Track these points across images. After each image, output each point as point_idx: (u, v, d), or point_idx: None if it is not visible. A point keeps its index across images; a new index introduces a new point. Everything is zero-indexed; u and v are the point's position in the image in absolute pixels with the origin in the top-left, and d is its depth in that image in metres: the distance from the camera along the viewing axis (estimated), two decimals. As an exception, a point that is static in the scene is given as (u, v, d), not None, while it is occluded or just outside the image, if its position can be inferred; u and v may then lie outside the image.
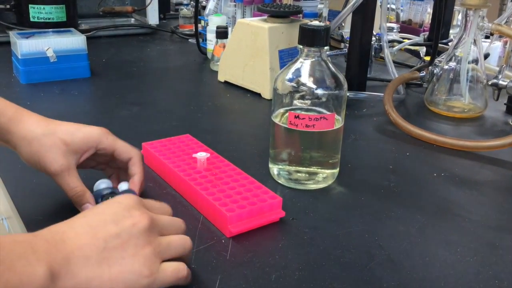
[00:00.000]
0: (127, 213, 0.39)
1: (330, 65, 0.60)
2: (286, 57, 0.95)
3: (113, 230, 0.38)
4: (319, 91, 0.59)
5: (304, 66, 0.60)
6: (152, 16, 1.44)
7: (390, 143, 0.77)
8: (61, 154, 0.51)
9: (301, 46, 0.60)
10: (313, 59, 0.60)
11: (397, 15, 1.52)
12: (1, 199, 0.64)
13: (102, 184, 0.54)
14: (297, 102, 0.60)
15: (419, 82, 0.99)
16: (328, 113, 0.59)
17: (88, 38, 1.03)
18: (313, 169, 0.62)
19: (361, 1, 0.88)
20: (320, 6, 1.44)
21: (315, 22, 0.60)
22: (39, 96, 0.90)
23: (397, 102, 0.94)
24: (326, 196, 0.60)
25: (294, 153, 0.62)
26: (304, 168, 0.62)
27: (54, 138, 0.51)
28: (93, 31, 1.35)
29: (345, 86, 0.61)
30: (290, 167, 0.62)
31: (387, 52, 1.03)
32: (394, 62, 1.06)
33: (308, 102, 0.60)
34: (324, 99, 0.59)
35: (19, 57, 0.95)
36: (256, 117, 0.88)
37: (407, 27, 1.46)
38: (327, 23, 1.28)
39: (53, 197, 0.55)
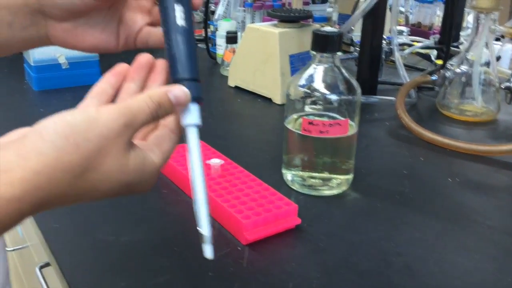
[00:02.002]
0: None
1: (343, 71, 0.60)
2: (297, 61, 0.95)
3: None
4: (332, 97, 0.59)
5: (317, 71, 0.60)
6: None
7: (403, 148, 0.76)
8: None
9: (314, 52, 0.60)
10: (326, 65, 0.60)
11: (406, 18, 1.51)
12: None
13: None
14: (310, 108, 0.60)
15: (431, 86, 0.98)
16: (342, 118, 0.59)
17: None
18: (327, 175, 0.62)
19: (372, 5, 0.87)
20: (329, 9, 1.44)
21: (328, 28, 0.60)
22: (52, 103, 0.91)
23: (408, 106, 0.94)
24: (341, 202, 0.60)
25: (308, 159, 0.62)
26: (318, 174, 0.61)
27: None
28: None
29: (359, 91, 0.60)
30: (304, 173, 0.62)
31: (397, 56, 1.02)
32: (404, 65, 1.06)
33: (321, 108, 0.60)
34: (337, 105, 0.59)
35: (32, 64, 0.95)
36: (267, 122, 0.88)
37: (416, 29, 1.45)
38: (337, 27, 1.28)
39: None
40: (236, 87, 1.03)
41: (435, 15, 1.45)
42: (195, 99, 0.37)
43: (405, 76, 1.00)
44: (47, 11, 0.42)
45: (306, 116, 0.60)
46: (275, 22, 0.96)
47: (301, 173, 0.62)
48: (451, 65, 0.94)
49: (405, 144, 0.78)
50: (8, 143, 0.30)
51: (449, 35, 0.94)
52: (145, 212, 0.57)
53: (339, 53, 0.59)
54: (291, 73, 0.95)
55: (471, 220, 0.57)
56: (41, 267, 0.64)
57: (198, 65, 0.38)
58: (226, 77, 1.07)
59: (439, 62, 1.03)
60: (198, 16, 1.47)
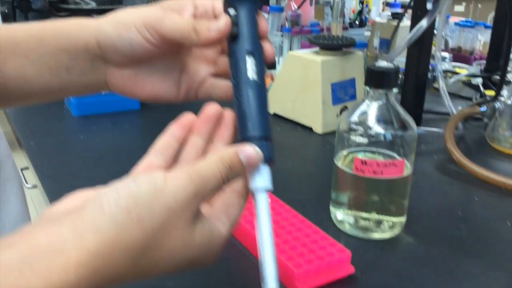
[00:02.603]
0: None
1: (398, 107, 0.57)
2: (339, 90, 0.93)
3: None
4: (387, 135, 0.56)
5: (370, 108, 0.57)
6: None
7: (455, 185, 0.73)
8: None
9: (367, 88, 0.57)
10: (380, 101, 0.57)
11: (446, 42, 1.47)
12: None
13: None
14: (362, 145, 0.58)
15: (479, 117, 0.94)
16: (398, 158, 0.56)
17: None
18: (379, 216, 0.58)
19: (419, 35, 0.84)
20: (366, 33, 1.42)
21: (383, 63, 0.57)
22: (91, 129, 0.90)
23: (456, 138, 0.90)
24: (394, 248, 0.56)
25: (359, 199, 0.59)
26: (370, 215, 0.58)
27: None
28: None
29: (414, 129, 0.57)
30: (355, 212, 0.59)
31: (442, 85, 0.99)
32: (448, 93, 1.02)
33: (374, 145, 0.57)
34: (391, 143, 0.56)
35: (71, 90, 0.95)
36: (309, 153, 0.85)
37: (456, 54, 1.41)
38: (374, 51, 1.25)
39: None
40: (275, 115, 1.01)
41: (477, 40, 1.40)
42: (267, 160, 0.34)
43: (451, 106, 0.97)
44: (108, 57, 0.40)
45: (358, 154, 0.57)
46: (316, 49, 0.94)
47: (352, 212, 0.59)
48: (501, 95, 0.90)
49: (457, 181, 0.74)
50: (64, 216, 0.27)
51: (505, 63, 0.90)
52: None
53: (394, 90, 0.56)
54: (333, 102, 0.92)
55: (538, 272, 0.52)
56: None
57: (270, 122, 0.36)
58: (264, 104, 1.05)
59: (489, 92, 0.99)
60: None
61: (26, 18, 1.24)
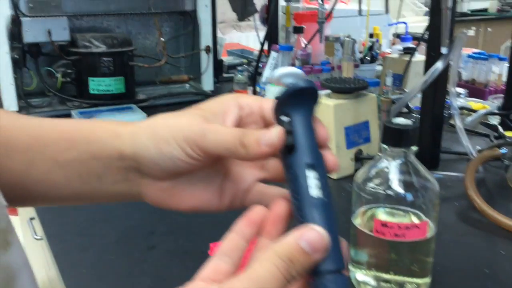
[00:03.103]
0: None
1: (418, 165, 0.55)
2: (353, 133, 0.91)
3: None
4: (408, 196, 0.54)
5: (389, 166, 0.55)
6: (207, 83, 1.44)
7: (478, 237, 0.70)
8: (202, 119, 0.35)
9: (385, 146, 0.55)
10: (399, 160, 0.55)
11: (459, 75, 1.45)
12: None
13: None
14: (381, 206, 0.55)
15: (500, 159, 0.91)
16: (421, 216, 0.53)
17: (145, 107, 1.03)
18: (402, 277, 0.55)
19: (434, 76, 0.83)
20: (378, 68, 1.40)
21: (401, 119, 0.55)
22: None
23: (475, 181, 0.87)
24: (420, 314, 0.53)
25: (380, 259, 0.56)
26: (392, 277, 0.55)
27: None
28: (151, 100, 1.35)
29: (436, 187, 0.55)
30: (376, 273, 0.56)
31: (459, 124, 0.96)
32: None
33: (395, 203, 0.55)
34: (413, 203, 0.54)
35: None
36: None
37: (470, 87, 1.38)
38: (385, 87, 1.23)
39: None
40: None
41: (491, 72, 1.38)
42: None
43: (468, 146, 0.94)
44: (145, 170, 0.36)
45: (377, 211, 0.55)
46: (328, 91, 0.93)
47: (372, 273, 0.56)
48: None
49: (480, 232, 0.71)
50: None
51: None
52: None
53: (413, 148, 0.54)
54: (347, 145, 0.90)
55: None
56: None
57: (341, 249, 0.30)
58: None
59: (508, 133, 0.96)
60: (243, 77, 1.46)
61: (36, 63, 1.24)
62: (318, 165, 0.32)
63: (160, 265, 0.63)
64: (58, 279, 0.60)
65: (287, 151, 0.33)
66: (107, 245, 0.68)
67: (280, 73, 0.34)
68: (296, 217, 0.31)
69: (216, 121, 0.35)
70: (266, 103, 0.37)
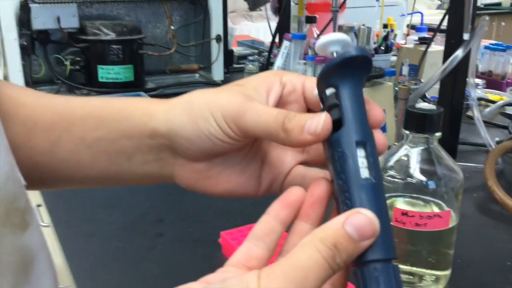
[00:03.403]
0: None
1: (442, 152, 0.52)
2: (368, 123, 0.88)
3: None
4: (430, 184, 0.51)
5: (410, 153, 0.52)
6: (217, 72, 1.42)
7: (499, 229, 0.67)
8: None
9: (407, 132, 0.52)
10: (421, 147, 0.52)
11: (476, 67, 1.42)
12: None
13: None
14: (401, 191, 0.53)
15: (519, 150, 0.88)
16: (443, 206, 0.51)
17: (154, 97, 1.00)
18: (420, 269, 0.53)
19: (454, 65, 0.80)
20: (393, 58, 1.37)
21: (424, 104, 0.52)
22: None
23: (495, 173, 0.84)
24: (441, 308, 0.51)
25: (399, 250, 0.53)
26: (412, 268, 0.53)
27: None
28: (160, 89, 1.33)
29: (460, 176, 0.52)
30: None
31: (477, 115, 0.93)
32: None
33: (415, 193, 0.52)
34: (434, 191, 0.51)
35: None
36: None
37: (487, 79, 1.35)
38: (401, 77, 1.20)
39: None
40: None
41: (508, 64, 1.35)
42: None
43: (487, 138, 0.91)
44: (179, 149, 0.34)
45: (397, 201, 0.52)
46: (343, 79, 0.90)
47: (389, 265, 0.54)
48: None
49: (501, 223, 0.68)
50: None
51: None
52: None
53: (437, 134, 0.51)
54: (362, 135, 0.87)
55: None
56: None
57: (392, 237, 0.27)
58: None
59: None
60: (254, 66, 1.44)
61: (44, 50, 1.22)
62: (370, 143, 0.28)
63: (168, 252, 0.61)
64: (65, 266, 0.59)
65: (333, 128, 0.29)
66: (114, 231, 0.66)
67: (326, 39, 0.28)
68: (340, 200, 0.28)
69: (258, 98, 0.32)
70: (309, 81, 0.34)
